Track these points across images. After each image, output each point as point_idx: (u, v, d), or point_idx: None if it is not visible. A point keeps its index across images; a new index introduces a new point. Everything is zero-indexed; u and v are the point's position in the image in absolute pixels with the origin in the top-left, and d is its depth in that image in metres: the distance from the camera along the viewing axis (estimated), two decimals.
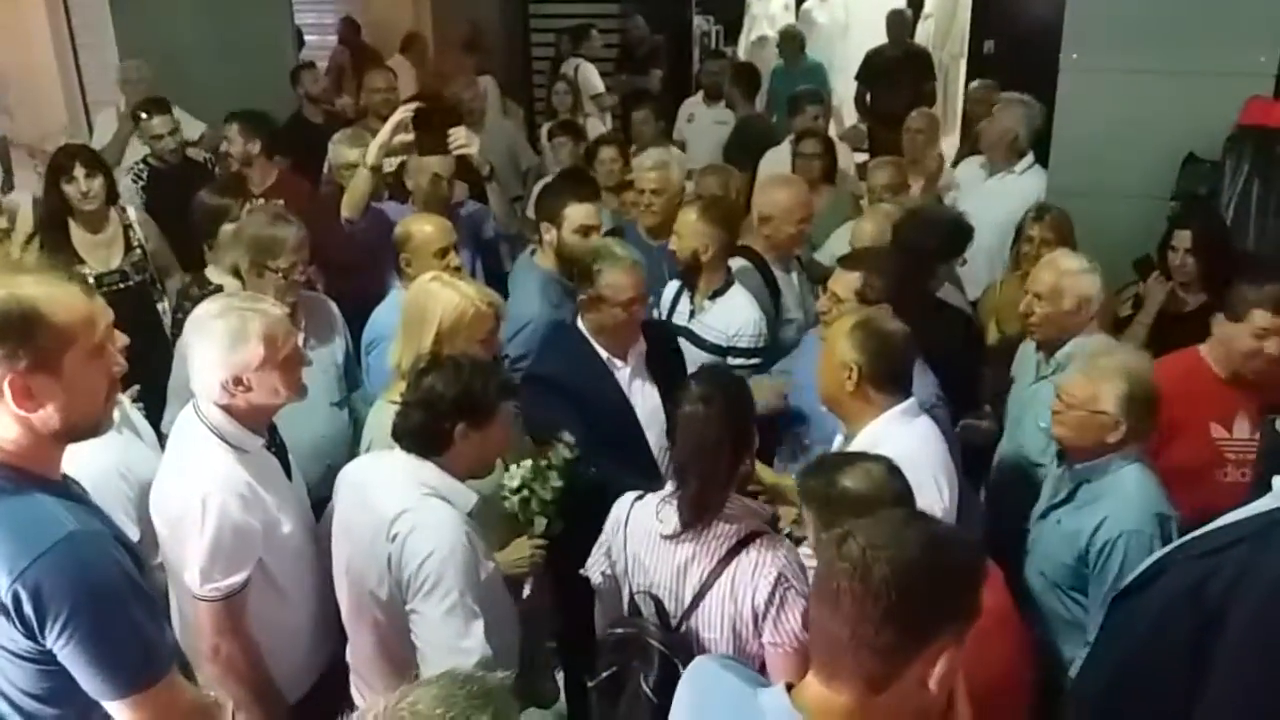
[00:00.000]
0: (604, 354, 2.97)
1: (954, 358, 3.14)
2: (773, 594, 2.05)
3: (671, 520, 2.17)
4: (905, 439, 2.44)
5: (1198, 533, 2.09)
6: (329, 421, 3.08)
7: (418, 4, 8.51)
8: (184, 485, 2.16)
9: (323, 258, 4.09)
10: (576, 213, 3.40)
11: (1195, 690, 1.91)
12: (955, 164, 5.53)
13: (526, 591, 2.62)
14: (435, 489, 2.18)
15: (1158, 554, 2.17)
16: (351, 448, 2.92)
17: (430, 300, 2.66)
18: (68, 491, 1.73)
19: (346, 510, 2.29)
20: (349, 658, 2.39)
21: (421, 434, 2.22)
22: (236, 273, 3.30)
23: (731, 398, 2.19)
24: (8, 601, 1.59)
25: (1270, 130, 3.75)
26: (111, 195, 4.04)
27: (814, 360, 2.80)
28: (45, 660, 1.65)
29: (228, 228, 3.66)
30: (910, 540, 1.29)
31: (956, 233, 3.53)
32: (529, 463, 2.57)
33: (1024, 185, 4.54)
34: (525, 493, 2.56)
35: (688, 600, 2.15)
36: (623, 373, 2.99)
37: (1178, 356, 3.01)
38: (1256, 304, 2.77)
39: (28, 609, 1.59)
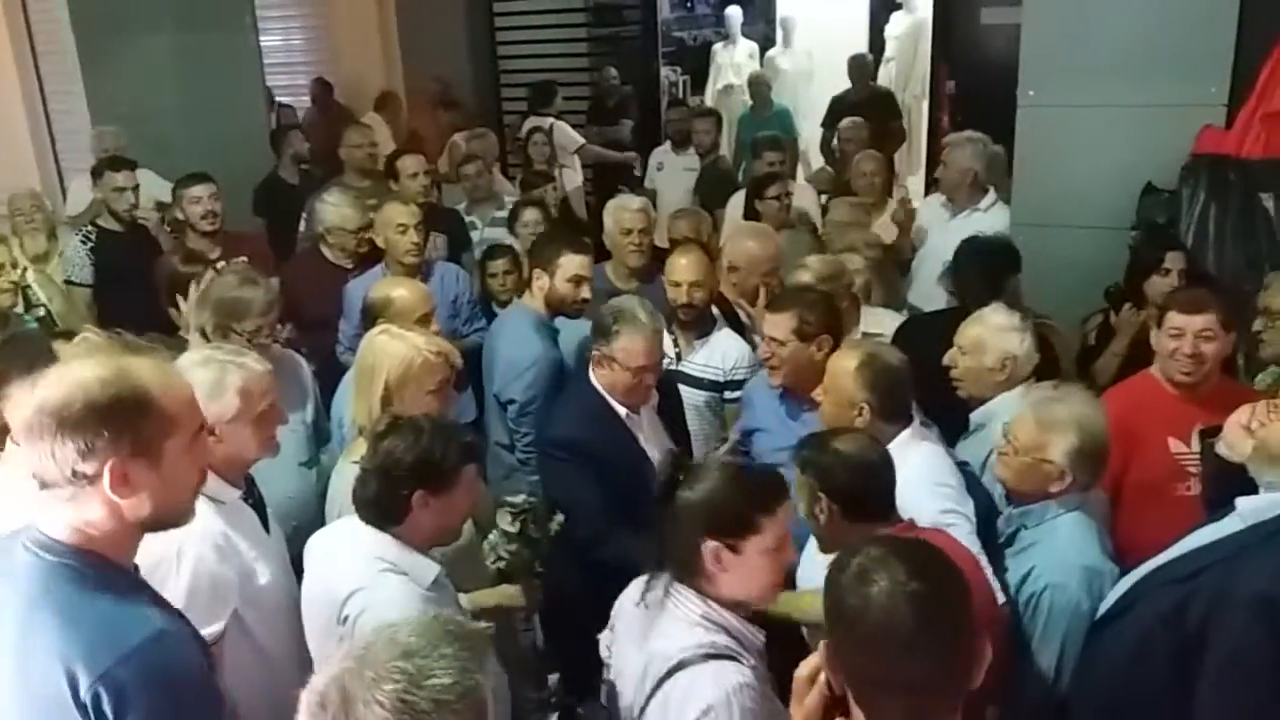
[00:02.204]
0: (620, 409, 2.97)
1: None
2: None
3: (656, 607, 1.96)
4: (918, 461, 2.50)
5: (1166, 558, 2.13)
6: (297, 481, 3.06)
7: (389, 62, 8.62)
8: (159, 536, 2.14)
9: (302, 315, 4.16)
10: (571, 263, 3.45)
11: (1181, 713, 1.95)
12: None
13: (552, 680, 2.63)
14: (393, 564, 2.10)
15: (1130, 582, 2.21)
16: (319, 507, 2.90)
17: (378, 353, 2.66)
18: (143, 583, 1.68)
19: (310, 584, 2.24)
20: None
21: (378, 503, 2.14)
22: (204, 334, 3.29)
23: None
24: (87, 701, 1.50)
25: (1223, 158, 3.85)
26: None
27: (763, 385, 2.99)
28: None
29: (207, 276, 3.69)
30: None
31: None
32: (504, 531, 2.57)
33: (990, 221, 4.59)
34: (503, 562, 2.57)
35: (640, 703, 1.95)
36: (638, 427, 3.01)
37: (1131, 380, 3.07)
38: (1169, 306, 2.87)
39: (107, 709, 1.50)
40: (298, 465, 3.09)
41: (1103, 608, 2.25)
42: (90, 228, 4.84)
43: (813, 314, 2.98)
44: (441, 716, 1.21)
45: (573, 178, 6.77)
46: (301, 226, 5.24)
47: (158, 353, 1.65)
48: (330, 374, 3.52)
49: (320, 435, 3.36)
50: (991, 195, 4.73)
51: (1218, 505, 2.20)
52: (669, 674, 1.81)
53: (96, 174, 4.96)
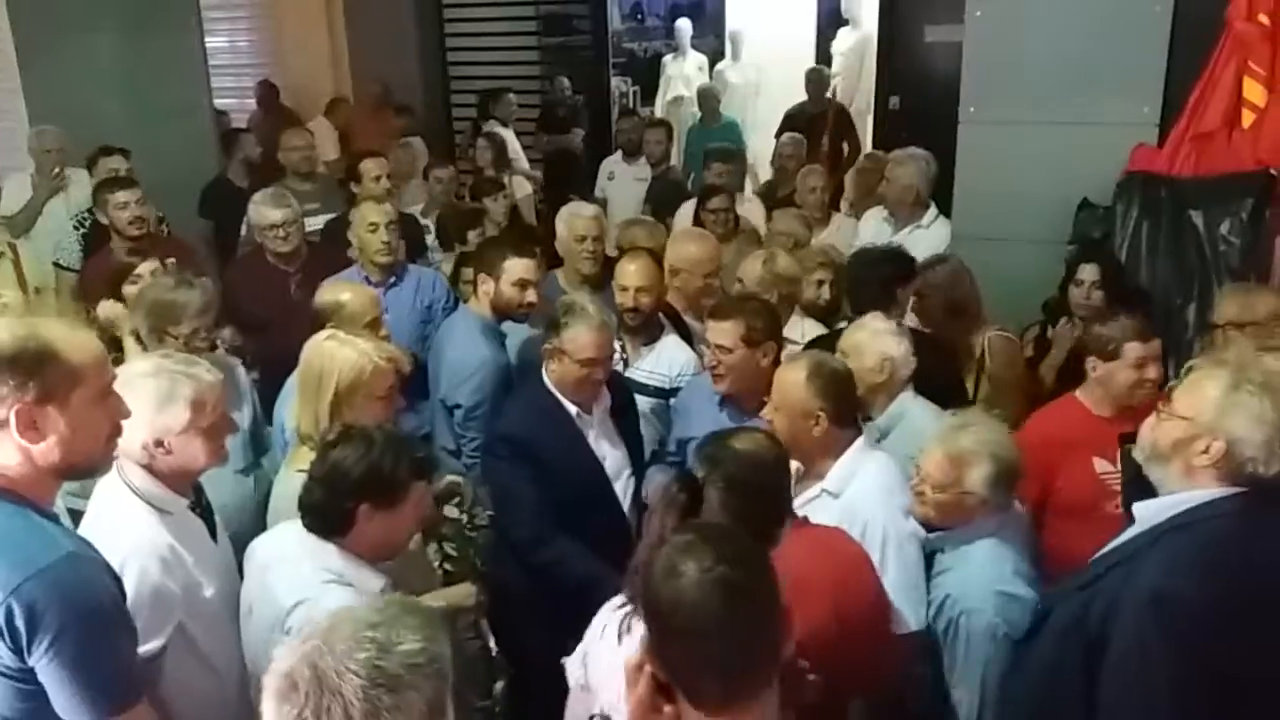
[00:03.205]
0: (571, 408, 2.99)
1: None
2: None
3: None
4: (875, 469, 2.54)
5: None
6: (233, 490, 3.03)
7: (337, 68, 8.56)
8: (103, 547, 2.11)
9: (245, 318, 4.12)
10: (516, 266, 3.45)
11: (1091, 713, 2.00)
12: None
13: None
14: (338, 574, 2.10)
15: (1050, 592, 2.27)
16: (257, 515, 2.89)
17: (326, 360, 2.63)
18: (57, 517, 1.80)
19: (250, 592, 2.23)
20: None
21: (322, 513, 2.13)
22: (138, 338, 3.24)
23: None
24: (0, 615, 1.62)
25: (1155, 176, 3.97)
26: None
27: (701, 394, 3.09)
28: (24, 678, 1.67)
29: (130, 289, 3.63)
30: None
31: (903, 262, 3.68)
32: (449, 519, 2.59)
33: (932, 236, 4.70)
34: (449, 560, 2.58)
35: None
36: (590, 427, 3.03)
37: (1054, 405, 3.15)
38: (1125, 339, 2.91)
39: (19, 623, 1.63)
40: (234, 473, 3.06)
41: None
42: (86, 214, 4.91)
43: (758, 320, 3.01)
44: (414, 680, 1.24)
45: (523, 185, 6.78)
46: (243, 231, 5.19)
47: (73, 319, 1.79)
48: (280, 378, 3.47)
49: (258, 442, 3.33)
50: (933, 211, 4.83)
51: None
52: None
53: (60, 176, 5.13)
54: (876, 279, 3.56)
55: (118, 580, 1.84)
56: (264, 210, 4.32)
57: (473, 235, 4.80)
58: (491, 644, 2.74)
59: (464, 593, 2.55)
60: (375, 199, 4.26)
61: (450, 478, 3.02)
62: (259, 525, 2.73)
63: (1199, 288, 3.78)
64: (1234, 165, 3.83)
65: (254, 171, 5.95)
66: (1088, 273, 3.70)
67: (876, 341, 3.00)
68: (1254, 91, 3.81)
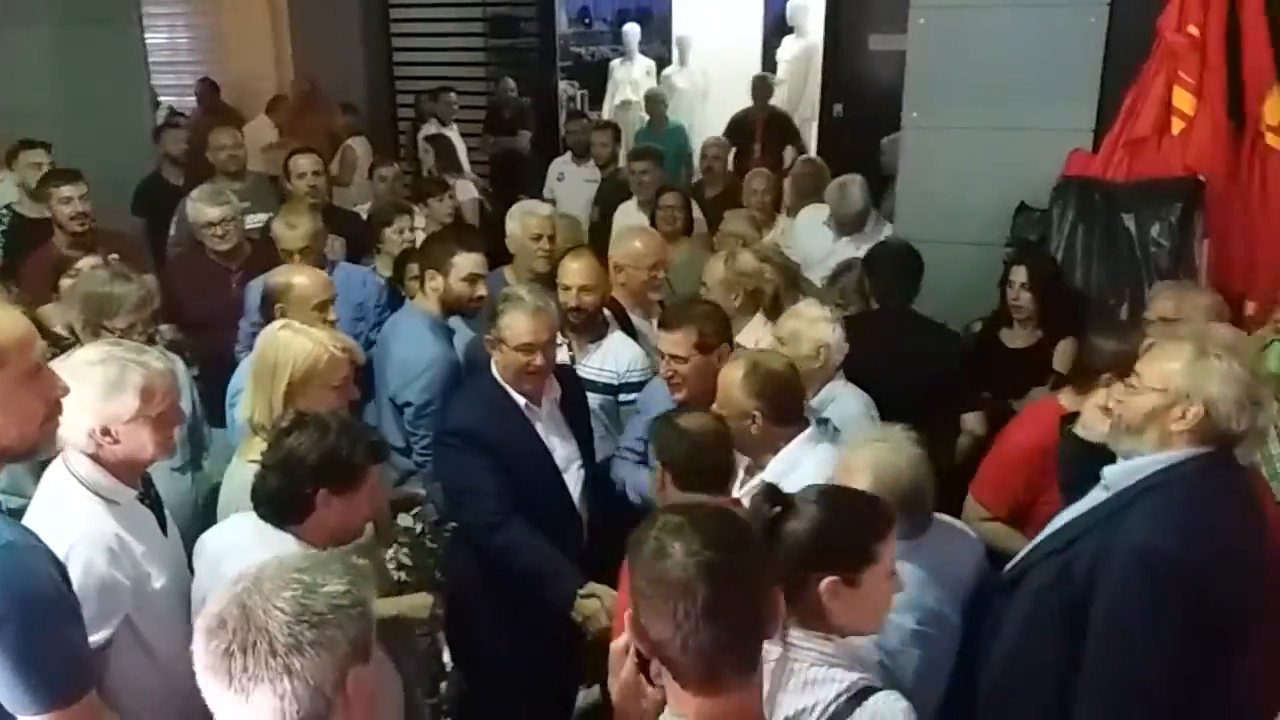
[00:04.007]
0: (520, 400, 2.99)
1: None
2: None
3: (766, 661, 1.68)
4: (817, 462, 2.55)
5: (1045, 534, 2.28)
6: (170, 487, 2.92)
7: (280, 66, 8.47)
8: (49, 537, 2.07)
9: (186, 316, 4.05)
10: (465, 261, 3.44)
11: (1069, 670, 2.09)
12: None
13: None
14: None
15: (1017, 559, 2.34)
16: (196, 513, 2.85)
17: (280, 349, 2.61)
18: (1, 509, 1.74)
19: (204, 584, 2.19)
20: None
21: (279, 500, 2.11)
22: (72, 332, 3.18)
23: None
24: None
25: (1090, 181, 4.10)
26: None
27: (663, 393, 3.10)
28: None
29: (66, 282, 3.56)
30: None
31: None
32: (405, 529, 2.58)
33: (874, 240, 4.79)
34: (405, 570, 2.57)
35: None
36: (538, 418, 3.03)
37: (1039, 408, 3.11)
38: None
39: None
40: (171, 471, 3.00)
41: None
42: (4, 209, 4.82)
43: (710, 325, 3.03)
44: (338, 619, 1.27)
45: (468, 189, 6.76)
46: (172, 230, 5.12)
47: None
48: (220, 377, 3.44)
49: (197, 440, 3.28)
50: (874, 216, 4.95)
51: (1076, 486, 2.36)
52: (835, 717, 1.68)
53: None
54: (897, 270, 3.71)
55: (62, 570, 1.81)
56: (201, 208, 4.25)
57: (389, 232, 4.70)
58: (446, 656, 2.73)
59: (418, 603, 2.52)
60: (288, 223, 4.02)
61: (410, 491, 2.99)
62: (198, 523, 2.71)
63: (1131, 288, 3.90)
64: (1164, 171, 3.96)
65: (188, 169, 5.86)
66: (1017, 274, 3.80)
67: (813, 329, 3.07)
68: (1183, 100, 3.95)
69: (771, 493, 1.80)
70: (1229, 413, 2.07)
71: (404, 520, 2.81)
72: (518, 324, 2.90)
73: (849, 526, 1.78)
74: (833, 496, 1.85)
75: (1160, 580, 2.00)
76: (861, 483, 2.17)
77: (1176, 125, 3.98)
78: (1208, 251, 3.93)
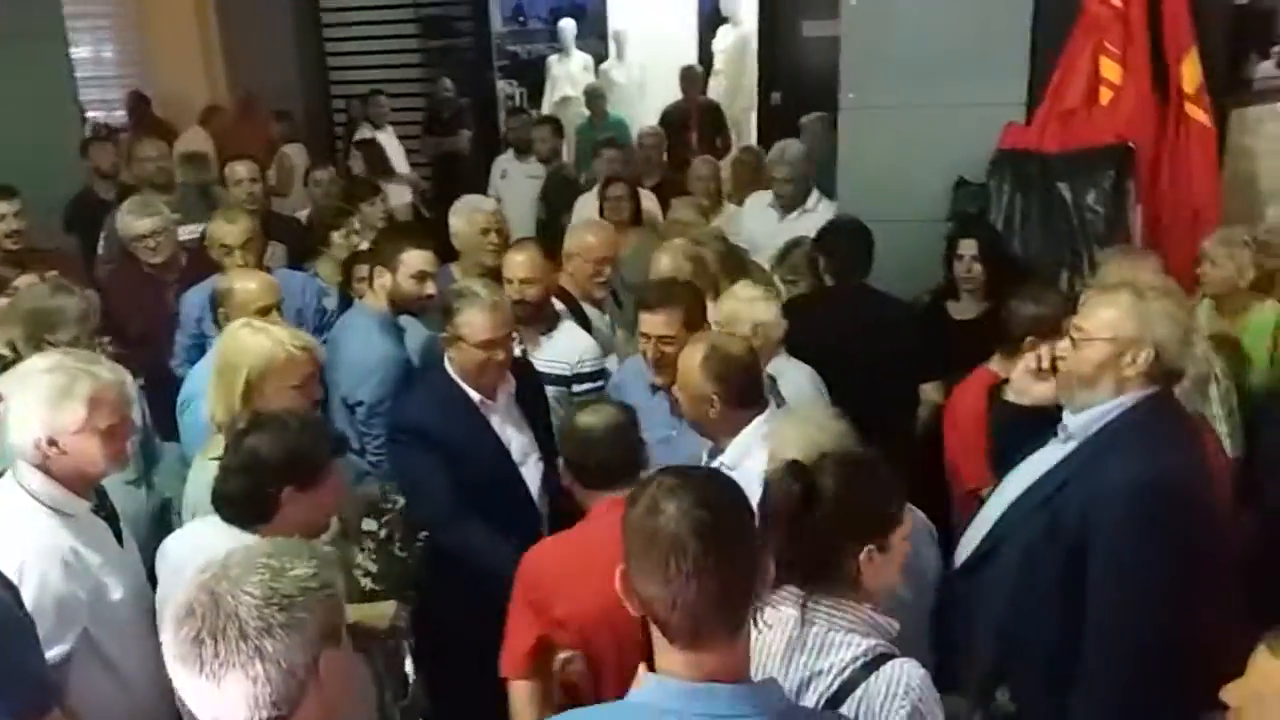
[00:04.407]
0: (474, 395, 2.97)
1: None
2: None
3: (783, 625, 1.77)
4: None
5: (1012, 496, 2.31)
6: (125, 500, 2.88)
7: (212, 76, 8.31)
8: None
9: (126, 330, 3.98)
10: (414, 258, 3.42)
11: (1070, 620, 2.13)
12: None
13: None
14: None
15: (988, 526, 2.35)
16: (150, 526, 2.82)
17: (238, 348, 2.60)
18: None
19: (169, 590, 2.15)
20: None
21: (244, 501, 2.09)
22: (14, 349, 3.10)
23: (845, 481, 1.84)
24: None
25: (1025, 153, 4.18)
26: None
27: (636, 378, 3.04)
28: None
29: (2, 301, 3.49)
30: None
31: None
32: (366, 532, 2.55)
33: (819, 219, 4.82)
34: (370, 578, 2.54)
35: None
36: (494, 413, 3.01)
37: (968, 383, 3.19)
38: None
39: None
40: (124, 484, 2.94)
41: (964, 557, 2.39)
42: None
43: (695, 302, 3.05)
44: (307, 602, 1.27)
45: (401, 193, 6.71)
46: (100, 247, 5.01)
47: None
48: (163, 390, 3.39)
49: (149, 453, 3.23)
50: (816, 194, 4.99)
51: (1010, 454, 2.42)
52: (848, 684, 1.70)
53: None
54: (851, 247, 3.75)
55: (13, 588, 1.77)
56: (130, 221, 4.18)
57: (337, 236, 4.66)
58: (409, 667, 2.70)
59: (377, 613, 2.48)
60: (227, 218, 4.02)
61: (371, 491, 2.94)
62: (153, 536, 2.66)
63: (1069, 255, 4.00)
64: (1096, 140, 4.05)
65: (119, 183, 5.75)
66: (967, 247, 3.87)
67: (750, 309, 3.09)
68: (1110, 70, 4.05)
69: (796, 469, 1.81)
70: (1176, 351, 2.16)
71: (368, 525, 2.78)
72: (477, 320, 2.88)
73: (877, 494, 1.82)
74: (849, 466, 1.86)
75: (1160, 511, 2.07)
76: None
77: (1105, 95, 4.08)
78: (1140, 216, 4.03)
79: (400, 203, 6.49)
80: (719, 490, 1.43)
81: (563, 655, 2.17)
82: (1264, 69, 8.08)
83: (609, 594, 1.84)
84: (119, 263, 4.66)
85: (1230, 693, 1.65)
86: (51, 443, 2.06)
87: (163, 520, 3.00)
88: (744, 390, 2.64)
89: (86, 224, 5.41)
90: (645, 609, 1.38)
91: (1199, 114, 4.00)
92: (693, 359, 2.65)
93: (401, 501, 2.75)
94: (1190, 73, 3.98)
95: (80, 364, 2.12)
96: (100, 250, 5.02)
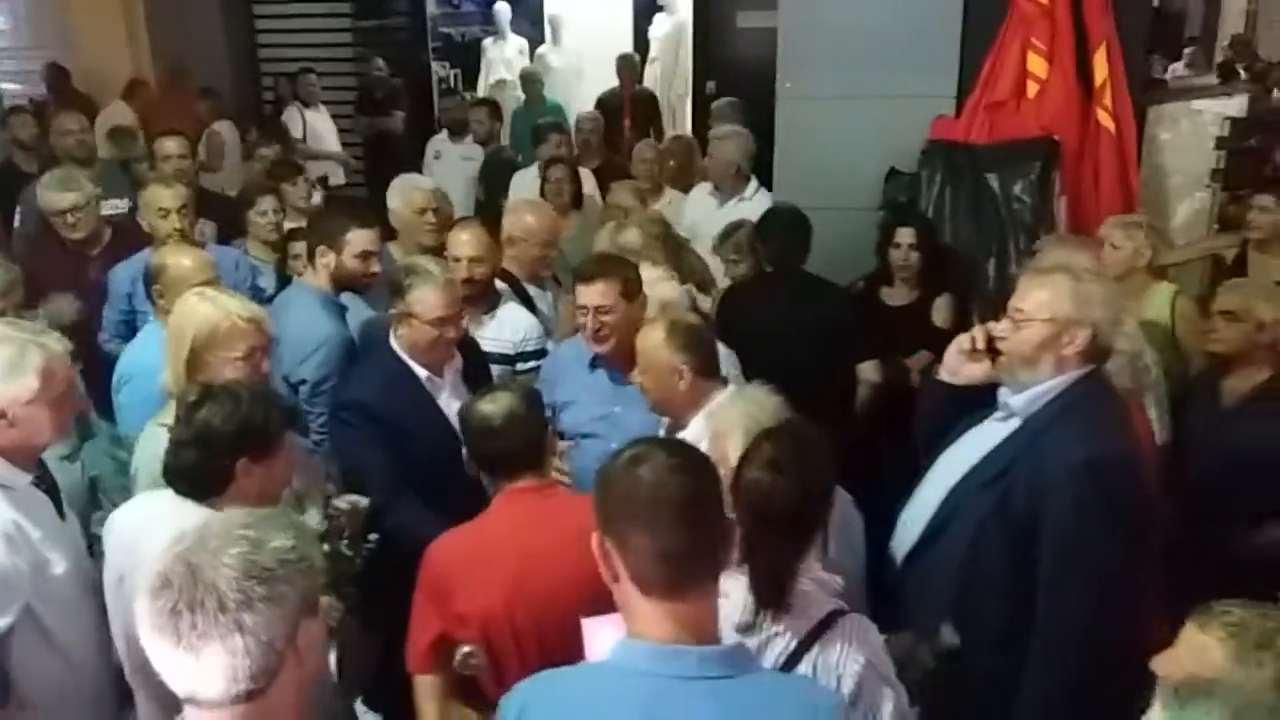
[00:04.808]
0: (421, 372, 2.97)
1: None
2: (860, 685, 1.82)
3: (740, 604, 1.85)
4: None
5: (953, 475, 2.37)
6: (62, 475, 2.81)
7: (136, 50, 8.06)
8: None
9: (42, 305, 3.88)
10: (359, 238, 3.39)
11: (1019, 596, 2.21)
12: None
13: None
14: None
15: (935, 505, 2.40)
16: (84, 501, 2.77)
17: (185, 315, 2.58)
18: None
19: (119, 562, 2.12)
20: None
21: (198, 474, 2.07)
22: None
23: (808, 460, 1.94)
24: None
25: (954, 144, 4.30)
26: None
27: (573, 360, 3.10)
28: None
29: None
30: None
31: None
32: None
33: (755, 207, 4.87)
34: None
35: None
36: (440, 390, 3.00)
37: None
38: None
39: None
40: (58, 460, 2.88)
41: (911, 536, 2.43)
42: None
43: (631, 272, 3.06)
44: (287, 574, 1.27)
45: (335, 172, 6.63)
46: (16, 219, 4.88)
47: None
48: (89, 365, 3.31)
49: (82, 427, 3.16)
50: (754, 183, 5.04)
51: (941, 433, 2.49)
52: (804, 644, 1.82)
53: None
54: (789, 235, 3.81)
55: None
56: (51, 195, 4.09)
57: (253, 214, 4.57)
58: (331, 662, 2.67)
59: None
60: (164, 183, 3.99)
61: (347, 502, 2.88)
62: (89, 508, 2.65)
63: (997, 244, 4.13)
64: (1022, 132, 4.19)
65: (40, 156, 5.58)
66: (904, 235, 3.97)
67: (655, 290, 3.14)
68: (1037, 64, 4.19)
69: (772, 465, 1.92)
70: (1110, 331, 2.27)
71: (311, 518, 2.73)
72: (430, 298, 2.88)
73: (824, 461, 1.94)
74: (801, 439, 1.97)
75: (1109, 484, 2.15)
76: (733, 441, 2.22)
77: (1031, 88, 4.22)
78: (1065, 207, 4.18)
79: (335, 181, 6.41)
80: (691, 451, 1.54)
81: (464, 649, 2.20)
82: (1175, 69, 8.47)
83: (509, 587, 1.93)
84: (37, 236, 4.55)
85: (1161, 663, 1.72)
86: (1, 414, 2.02)
87: (91, 499, 2.95)
88: (710, 358, 2.71)
89: (7, 195, 5.25)
90: (627, 564, 1.42)
91: (1102, 111, 4.14)
92: (654, 337, 2.69)
93: (365, 503, 2.66)
94: (1100, 60, 4.11)
95: (28, 334, 2.09)
96: (16, 223, 4.87)
